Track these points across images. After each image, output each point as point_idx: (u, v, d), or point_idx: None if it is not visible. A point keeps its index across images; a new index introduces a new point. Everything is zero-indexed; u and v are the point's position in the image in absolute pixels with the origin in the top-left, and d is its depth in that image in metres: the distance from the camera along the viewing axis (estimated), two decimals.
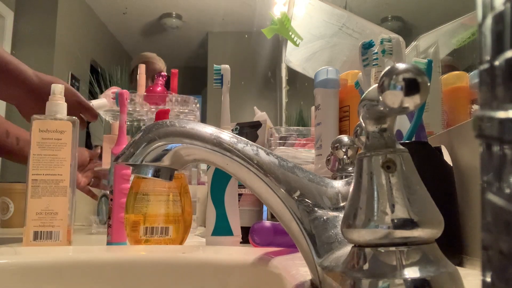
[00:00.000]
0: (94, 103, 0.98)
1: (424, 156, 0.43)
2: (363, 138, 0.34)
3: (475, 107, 0.56)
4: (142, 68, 1.11)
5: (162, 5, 3.36)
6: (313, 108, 0.79)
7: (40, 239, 0.61)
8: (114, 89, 0.96)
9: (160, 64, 2.08)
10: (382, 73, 0.19)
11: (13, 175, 2.35)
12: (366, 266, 0.21)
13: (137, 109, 1.06)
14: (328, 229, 0.28)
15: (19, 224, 1.35)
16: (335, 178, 0.43)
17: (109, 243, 0.68)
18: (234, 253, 0.54)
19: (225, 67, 0.70)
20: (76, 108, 0.94)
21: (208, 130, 0.30)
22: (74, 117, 0.66)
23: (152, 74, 2.01)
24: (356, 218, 0.22)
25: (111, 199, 0.70)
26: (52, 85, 0.66)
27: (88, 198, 1.51)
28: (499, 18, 0.13)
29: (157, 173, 0.31)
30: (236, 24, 3.41)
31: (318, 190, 0.29)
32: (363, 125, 0.23)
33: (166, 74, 1.11)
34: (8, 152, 1.06)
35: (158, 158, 0.30)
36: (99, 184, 1.18)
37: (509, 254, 0.12)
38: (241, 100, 2.63)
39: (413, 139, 0.46)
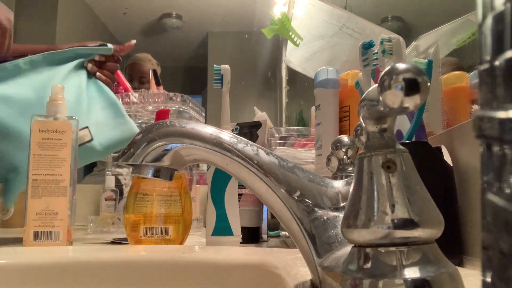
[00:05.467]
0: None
1: (424, 156, 0.43)
2: (363, 138, 0.34)
3: (475, 107, 0.56)
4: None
5: (162, 5, 3.36)
6: (313, 108, 0.79)
7: (40, 239, 0.61)
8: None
9: (149, 65, 2.07)
10: (382, 73, 0.19)
11: None
12: (366, 266, 0.21)
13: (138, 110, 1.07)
14: (328, 229, 0.28)
15: (19, 224, 1.34)
16: (335, 178, 0.43)
17: None
18: (234, 253, 0.54)
19: (225, 67, 0.70)
20: None
21: (208, 130, 0.30)
22: (74, 117, 0.66)
23: (139, 76, 2.02)
24: (356, 218, 0.22)
25: None
26: (52, 85, 0.66)
27: (88, 198, 1.51)
28: (499, 18, 0.13)
29: (157, 173, 0.31)
30: (236, 24, 3.41)
31: (318, 190, 0.29)
32: (363, 125, 0.23)
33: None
34: None
35: (158, 158, 0.30)
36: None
37: (509, 254, 0.12)
38: (241, 100, 2.63)
39: (413, 139, 0.46)
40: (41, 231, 0.61)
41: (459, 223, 0.44)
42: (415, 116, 0.46)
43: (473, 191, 0.43)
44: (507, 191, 0.13)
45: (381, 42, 0.52)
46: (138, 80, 2.00)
